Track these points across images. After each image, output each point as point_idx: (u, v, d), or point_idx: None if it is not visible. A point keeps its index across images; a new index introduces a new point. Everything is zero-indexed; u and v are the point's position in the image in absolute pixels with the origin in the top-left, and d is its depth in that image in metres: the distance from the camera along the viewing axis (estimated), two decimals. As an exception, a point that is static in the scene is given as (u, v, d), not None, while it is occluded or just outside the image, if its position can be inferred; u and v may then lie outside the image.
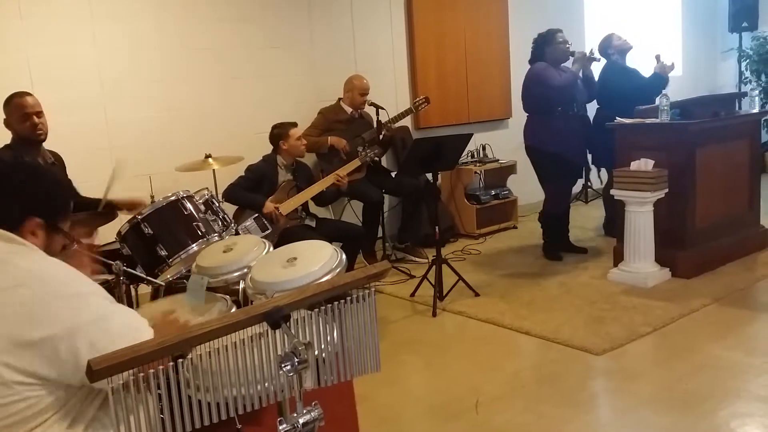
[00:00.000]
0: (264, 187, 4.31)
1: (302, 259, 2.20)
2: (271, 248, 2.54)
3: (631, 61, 5.35)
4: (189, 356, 1.31)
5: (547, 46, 4.75)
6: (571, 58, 4.77)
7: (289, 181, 4.44)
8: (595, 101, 5.16)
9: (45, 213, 1.55)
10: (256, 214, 4.12)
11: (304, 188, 4.42)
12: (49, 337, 1.34)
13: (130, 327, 1.43)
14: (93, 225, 3.26)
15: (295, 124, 4.43)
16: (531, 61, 4.83)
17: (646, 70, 5.32)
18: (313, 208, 4.65)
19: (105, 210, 3.40)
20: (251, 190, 4.27)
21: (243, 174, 4.33)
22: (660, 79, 5.04)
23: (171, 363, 1.18)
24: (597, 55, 4.74)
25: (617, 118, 4.61)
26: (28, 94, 3.36)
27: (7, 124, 3.34)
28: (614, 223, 5.06)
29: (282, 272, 2.16)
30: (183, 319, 1.95)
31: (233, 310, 2.22)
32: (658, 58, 5.16)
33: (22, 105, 3.28)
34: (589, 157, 5.18)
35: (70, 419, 1.42)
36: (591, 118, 5.19)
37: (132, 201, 3.53)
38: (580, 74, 4.74)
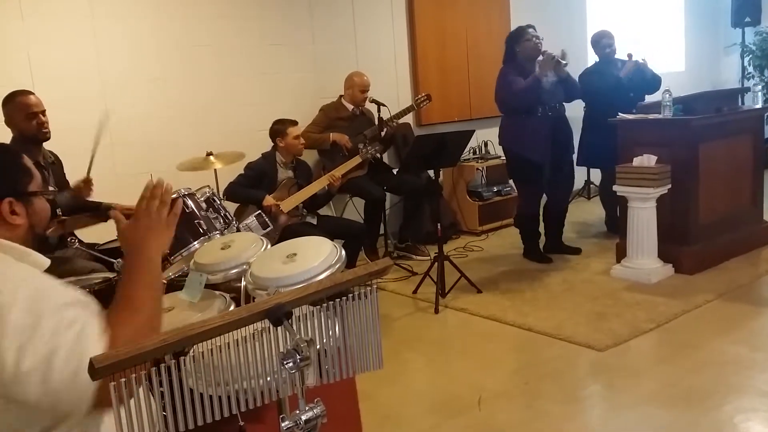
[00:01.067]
0: (264, 185, 4.32)
1: (302, 255, 2.20)
2: (269, 245, 2.54)
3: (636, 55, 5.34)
4: (190, 353, 1.30)
5: (516, 45, 4.62)
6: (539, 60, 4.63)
7: (289, 178, 4.44)
8: (581, 101, 5.16)
9: (9, 188, 1.43)
10: (258, 212, 4.12)
11: (305, 185, 4.43)
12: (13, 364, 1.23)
13: (72, 356, 1.25)
14: (90, 223, 3.27)
15: (294, 123, 4.43)
16: (503, 62, 4.74)
17: (650, 65, 5.32)
18: (314, 207, 4.65)
19: (104, 213, 3.42)
20: (251, 188, 4.28)
21: (242, 172, 4.34)
22: (627, 82, 5.09)
23: (173, 360, 1.17)
24: (566, 59, 4.48)
25: (607, 118, 4.61)
26: (30, 92, 3.36)
27: (9, 122, 3.33)
28: (616, 219, 5.06)
29: (282, 268, 2.17)
30: (181, 316, 1.93)
31: (232, 307, 2.22)
32: (630, 56, 5.16)
33: (26, 104, 3.28)
34: (575, 157, 5.10)
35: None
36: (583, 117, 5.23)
37: (128, 210, 3.53)
38: (552, 77, 4.47)
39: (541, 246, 4.99)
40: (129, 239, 1.49)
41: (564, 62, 4.45)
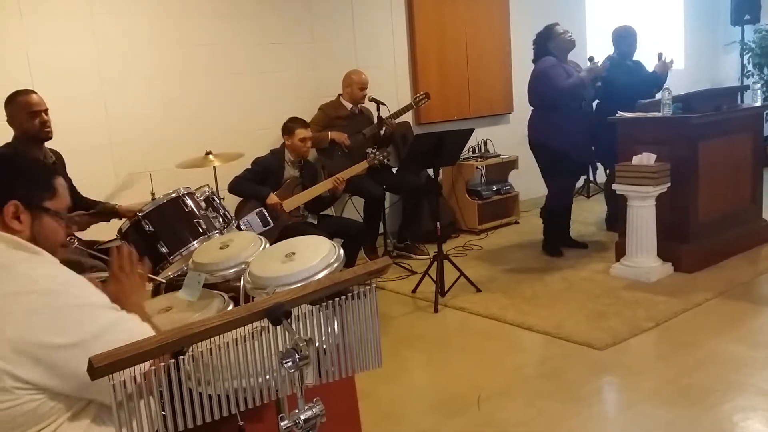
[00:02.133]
0: (269, 182, 4.32)
1: (300, 254, 2.19)
2: (267, 245, 2.53)
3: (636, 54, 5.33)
4: (190, 353, 1.30)
5: (549, 42, 4.72)
6: (587, 65, 4.75)
7: (294, 177, 4.44)
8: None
9: (20, 193, 1.47)
10: (259, 208, 4.12)
11: (309, 186, 4.42)
12: (50, 347, 1.32)
13: (133, 338, 1.40)
14: (90, 223, 3.27)
15: (305, 125, 4.42)
16: (535, 59, 4.79)
17: (648, 64, 5.32)
18: (314, 207, 4.65)
19: (105, 213, 3.42)
20: (256, 184, 4.28)
21: (249, 167, 4.34)
22: (656, 79, 5.07)
23: (171, 360, 1.17)
24: (597, 61, 4.67)
25: (618, 112, 4.60)
26: (33, 91, 3.36)
27: (11, 121, 3.33)
28: (616, 217, 5.06)
29: (281, 267, 2.16)
30: (179, 316, 1.95)
31: (231, 306, 2.21)
32: (660, 56, 5.15)
33: (29, 103, 3.28)
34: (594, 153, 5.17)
35: (73, 420, 1.41)
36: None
37: (130, 210, 3.54)
38: (592, 79, 4.71)
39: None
40: (116, 295, 1.63)
41: (599, 67, 4.66)
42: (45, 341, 1.32)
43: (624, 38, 5.32)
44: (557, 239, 5.02)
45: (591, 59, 4.71)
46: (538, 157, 4.94)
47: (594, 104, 5.18)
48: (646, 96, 4.82)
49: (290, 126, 4.39)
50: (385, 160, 4.66)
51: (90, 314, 1.39)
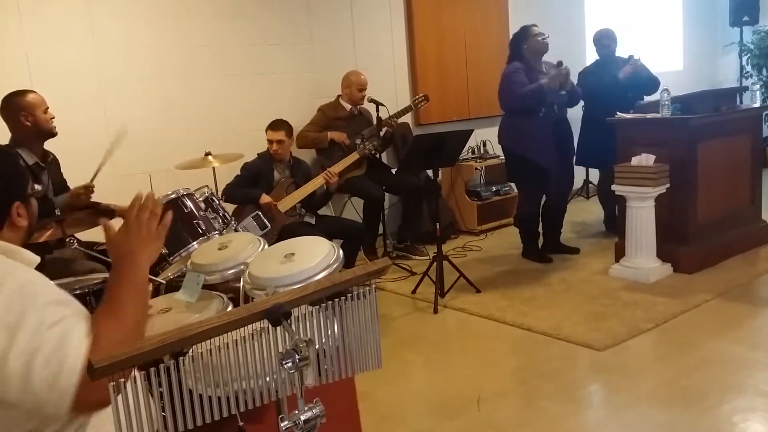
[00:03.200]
0: (261, 185, 4.32)
1: (300, 255, 2.20)
2: (266, 246, 2.54)
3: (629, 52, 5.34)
4: (190, 353, 1.30)
5: (523, 43, 4.64)
6: (548, 66, 4.65)
7: (286, 178, 4.44)
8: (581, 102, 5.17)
9: (20, 192, 1.48)
10: (255, 213, 4.13)
11: (302, 185, 4.42)
12: None
13: (54, 356, 1.25)
14: (90, 224, 3.26)
15: (275, 127, 4.37)
16: (508, 61, 4.74)
17: (648, 64, 5.33)
18: (313, 206, 4.65)
19: (104, 213, 3.41)
20: (248, 189, 4.29)
21: (239, 173, 4.35)
22: (626, 83, 5.08)
23: (172, 360, 1.17)
24: (564, 67, 4.54)
25: (606, 117, 4.61)
26: (32, 91, 3.39)
27: (9, 122, 3.33)
28: (614, 218, 5.07)
29: (280, 268, 2.17)
30: (178, 317, 1.93)
31: (230, 307, 2.22)
32: (629, 58, 5.16)
33: (38, 100, 3.33)
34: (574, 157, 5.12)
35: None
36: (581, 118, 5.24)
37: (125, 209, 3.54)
38: (556, 88, 4.53)
39: (540, 245, 5.00)
40: (118, 248, 1.48)
41: (565, 70, 4.52)
42: None
43: (598, 41, 5.38)
44: (534, 246, 4.94)
45: (559, 64, 4.55)
46: (505, 162, 4.93)
47: (573, 110, 5.11)
48: (619, 100, 4.85)
49: (266, 129, 4.41)
50: (374, 151, 4.66)
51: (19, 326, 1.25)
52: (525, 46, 4.64)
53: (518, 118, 4.64)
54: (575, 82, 5.00)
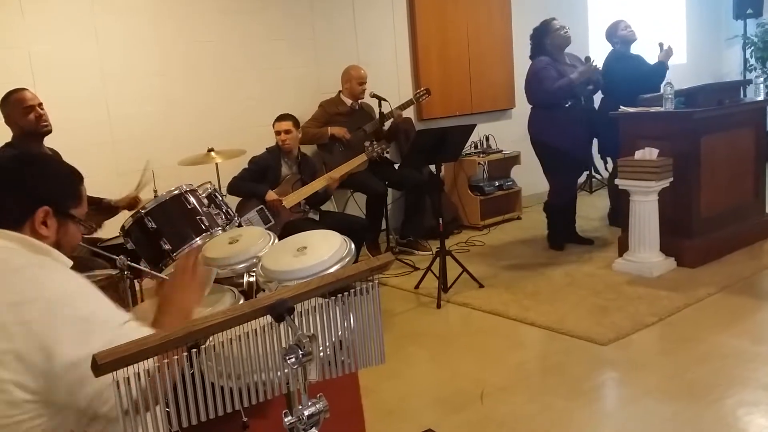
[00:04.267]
0: (267, 180, 4.33)
1: (312, 248, 2.20)
2: (276, 239, 2.54)
3: (636, 48, 5.31)
4: (202, 346, 1.31)
5: (545, 37, 4.72)
6: (571, 59, 4.72)
7: (293, 174, 4.44)
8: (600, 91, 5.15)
9: (52, 200, 1.48)
10: (259, 206, 4.13)
11: (308, 182, 4.42)
12: (53, 360, 1.28)
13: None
14: (93, 222, 3.27)
15: (281, 118, 4.42)
16: (532, 56, 4.79)
17: (650, 58, 5.30)
18: (316, 203, 4.65)
19: (105, 210, 3.42)
20: (255, 183, 4.29)
21: (246, 166, 4.35)
22: (662, 67, 5.04)
23: (185, 353, 1.18)
24: (593, 62, 4.66)
25: (621, 106, 4.59)
26: (24, 89, 3.36)
27: (9, 121, 3.33)
28: (619, 213, 5.06)
29: (293, 261, 2.17)
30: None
31: (242, 301, 2.22)
32: (661, 45, 5.13)
33: (21, 99, 3.28)
34: (596, 147, 5.17)
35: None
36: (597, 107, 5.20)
37: (129, 198, 3.56)
38: (584, 81, 4.68)
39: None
40: (167, 293, 1.62)
41: (594, 64, 4.66)
42: (45, 355, 1.28)
43: (615, 30, 5.30)
44: (561, 234, 5.02)
45: (587, 59, 4.68)
46: (538, 154, 4.96)
47: (597, 100, 5.16)
48: (648, 89, 4.80)
49: (274, 121, 4.43)
50: (384, 153, 4.66)
51: (90, 329, 1.32)
52: (548, 41, 4.72)
53: (549, 110, 4.73)
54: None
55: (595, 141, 5.27)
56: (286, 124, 4.39)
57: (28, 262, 1.40)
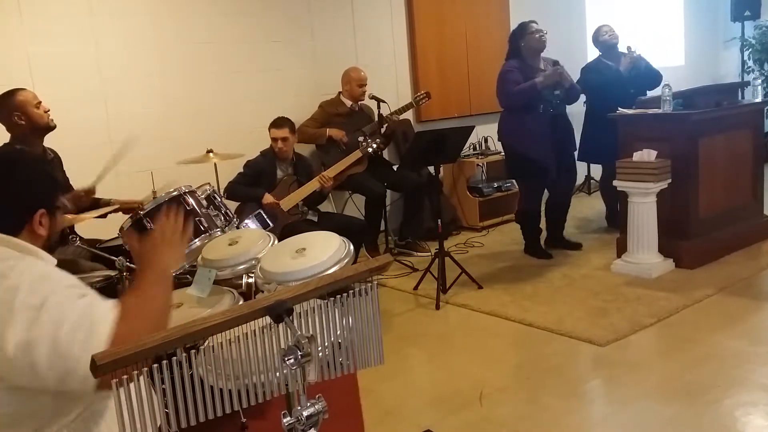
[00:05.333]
0: (263, 183, 4.32)
1: (311, 250, 2.20)
2: (276, 241, 2.54)
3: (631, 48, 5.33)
4: (201, 346, 1.31)
5: (520, 40, 4.63)
6: (547, 63, 4.64)
7: (289, 176, 4.44)
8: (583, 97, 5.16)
9: (44, 200, 1.52)
10: (257, 211, 4.13)
11: (305, 183, 4.42)
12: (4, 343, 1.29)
13: (83, 320, 1.32)
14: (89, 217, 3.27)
15: (277, 123, 4.39)
16: (507, 58, 4.74)
17: (650, 59, 5.32)
18: (315, 203, 4.65)
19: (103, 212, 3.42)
20: (251, 186, 4.29)
21: (241, 170, 4.35)
22: (629, 77, 5.05)
23: (174, 357, 1.18)
24: (559, 67, 4.53)
25: (598, 115, 4.61)
26: (23, 88, 3.37)
27: (6, 123, 3.33)
28: (616, 214, 5.07)
29: (292, 262, 2.17)
30: (190, 312, 1.94)
31: (241, 302, 2.22)
32: (628, 49, 5.13)
33: (29, 97, 3.31)
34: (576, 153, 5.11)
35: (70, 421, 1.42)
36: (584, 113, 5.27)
37: (126, 202, 3.55)
38: (550, 84, 4.51)
39: (542, 240, 5.00)
40: (143, 253, 1.60)
41: (560, 68, 4.50)
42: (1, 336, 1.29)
43: (597, 34, 5.34)
44: (537, 242, 4.94)
45: (555, 64, 4.56)
46: (505, 158, 4.94)
47: (576, 105, 5.09)
48: (623, 96, 4.83)
49: (270, 127, 4.40)
50: (378, 149, 4.66)
51: (43, 312, 1.31)
52: (523, 44, 4.63)
53: (516, 114, 4.64)
54: (577, 77, 4.99)
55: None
56: (284, 132, 4.35)
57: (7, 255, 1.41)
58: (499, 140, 4.97)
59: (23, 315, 1.29)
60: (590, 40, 5.59)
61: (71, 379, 1.29)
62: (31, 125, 3.29)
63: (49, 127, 3.35)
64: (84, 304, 1.35)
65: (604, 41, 5.28)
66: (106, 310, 1.36)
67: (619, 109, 4.61)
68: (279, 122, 4.39)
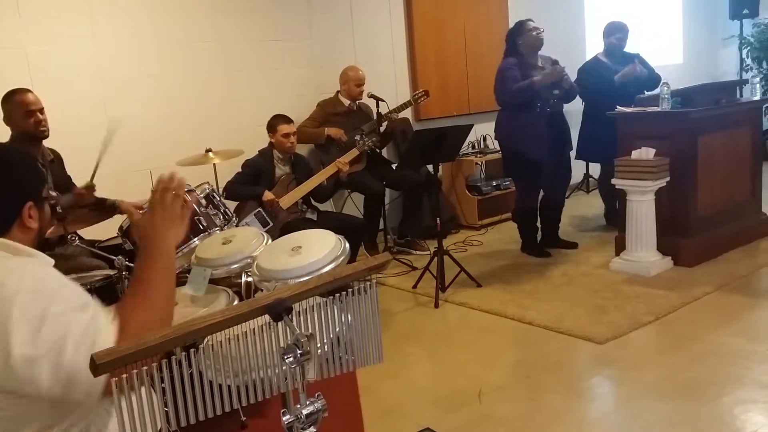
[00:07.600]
0: (262, 182, 4.32)
1: (307, 248, 2.21)
2: (270, 240, 2.55)
3: (636, 49, 5.33)
4: (200, 345, 1.31)
5: (518, 38, 4.63)
6: (544, 61, 4.63)
7: (287, 174, 4.44)
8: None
9: (31, 192, 1.48)
10: (257, 210, 4.13)
11: (303, 181, 4.42)
12: (9, 351, 1.25)
13: (85, 337, 1.28)
14: (94, 220, 3.27)
15: (287, 120, 4.39)
16: (504, 56, 4.72)
17: (648, 58, 5.32)
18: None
19: (107, 209, 3.42)
20: (250, 186, 4.29)
21: (240, 170, 4.35)
22: (622, 85, 5.04)
23: (183, 352, 1.18)
24: (559, 66, 4.49)
25: (607, 112, 4.60)
26: (29, 90, 3.36)
27: (8, 121, 3.33)
28: (615, 212, 5.07)
29: (288, 260, 2.18)
30: (186, 311, 1.94)
31: (236, 301, 2.23)
32: (634, 61, 5.12)
33: (24, 102, 3.28)
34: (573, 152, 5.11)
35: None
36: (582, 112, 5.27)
37: (135, 205, 3.54)
38: (549, 84, 4.50)
39: (538, 240, 5.00)
40: (144, 230, 1.51)
41: (561, 69, 4.49)
42: (4, 342, 1.25)
43: (610, 33, 5.30)
44: (533, 240, 4.94)
45: (555, 62, 4.54)
46: (501, 156, 4.95)
47: (573, 104, 5.09)
48: (618, 96, 4.82)
49: (272, 123, 4.40)
50: (374, 147, 4.66)
51: (45, 325, 1.26)
52: (520, 42, 4.63)
53: (512, 112, 4.65)
54: (576, 76, 4.98)
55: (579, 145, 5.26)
56: (292, 127, 4.38)
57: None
58: (495, 138, 4.98)
59: (23, 326, 1.25)
60: (588, 38, 5.58)
61: (72, 397, 1.28)
62: (22, 133, 3.28)
63: (37, 137, 3.30)
64: (87, 317, 1.30)
65: (610, 43, 5.26)
66: (107, 323, 1.32)
67: (618, 107, 4.61)
68: (286, 118, 4.39)
